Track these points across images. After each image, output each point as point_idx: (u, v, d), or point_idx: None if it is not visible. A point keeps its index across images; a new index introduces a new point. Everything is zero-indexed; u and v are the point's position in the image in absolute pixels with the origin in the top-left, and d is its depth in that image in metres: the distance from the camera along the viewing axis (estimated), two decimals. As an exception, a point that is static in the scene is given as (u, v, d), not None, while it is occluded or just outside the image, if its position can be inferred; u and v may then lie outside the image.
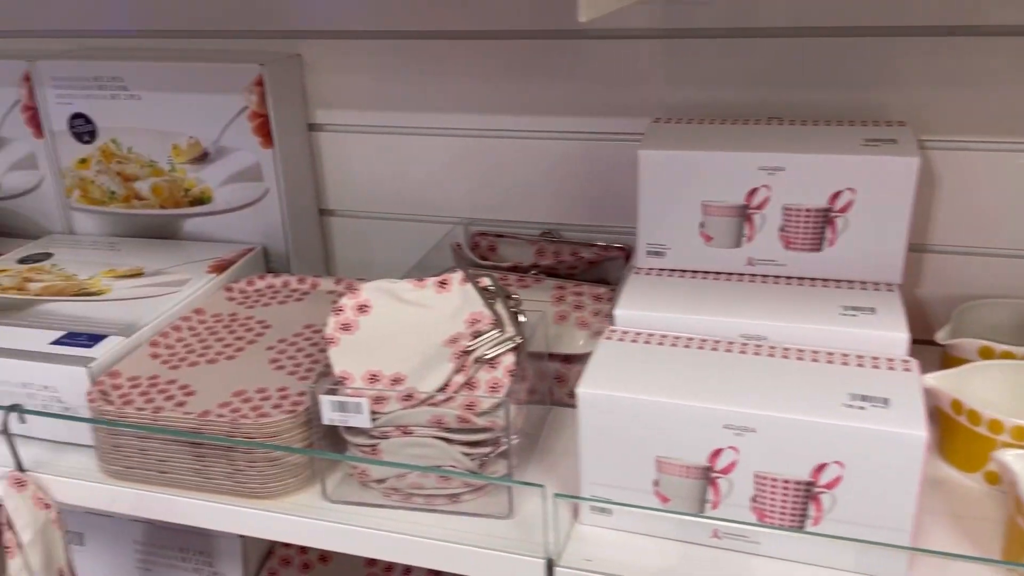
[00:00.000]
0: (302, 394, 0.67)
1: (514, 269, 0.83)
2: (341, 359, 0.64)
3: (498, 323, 0.63)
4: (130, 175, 0.93)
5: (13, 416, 0.69)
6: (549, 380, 0.73)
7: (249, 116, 0.87)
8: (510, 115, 0.87)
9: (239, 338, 0.77)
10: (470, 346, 0.63)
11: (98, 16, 0.95)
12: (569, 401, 0.72)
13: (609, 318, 0.66)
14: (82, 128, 0.93)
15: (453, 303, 0.65)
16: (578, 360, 0.72)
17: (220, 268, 0.86)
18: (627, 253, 0.87)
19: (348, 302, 0.66)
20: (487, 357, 0.62)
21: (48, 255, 0.91)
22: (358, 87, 0.90)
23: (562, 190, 0.89)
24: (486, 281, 0.66)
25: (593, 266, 0.83)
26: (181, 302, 0.80)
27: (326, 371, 0.67)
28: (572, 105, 0.85)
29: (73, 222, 0.98)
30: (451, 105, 0.88)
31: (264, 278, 0.87)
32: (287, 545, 0.93)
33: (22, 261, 0.90)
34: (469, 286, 0.66)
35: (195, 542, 0.93)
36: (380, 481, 0.63)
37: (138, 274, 0.86)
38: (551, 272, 0.83)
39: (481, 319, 0.64)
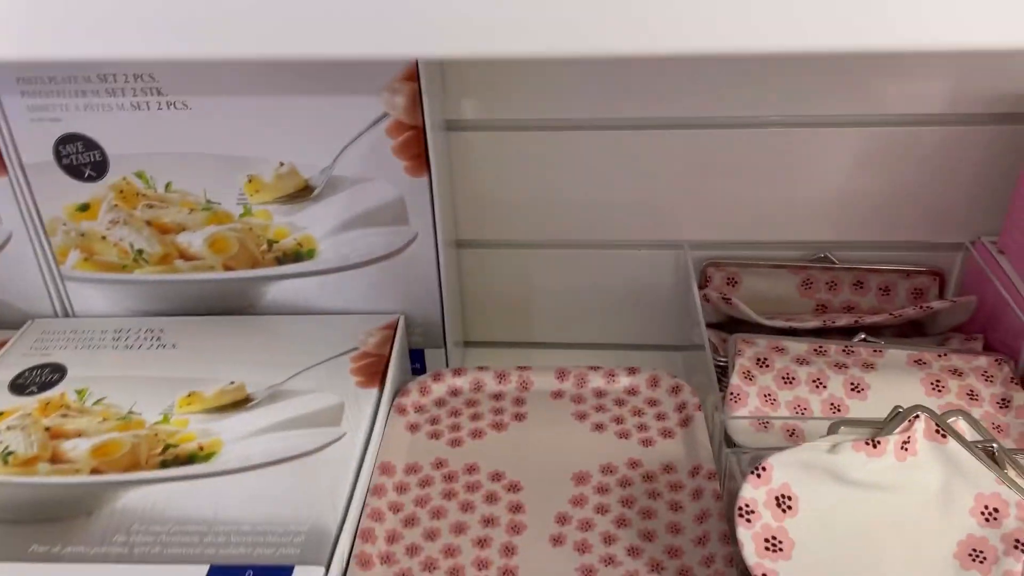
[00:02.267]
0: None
1: (822, 332, 0.58)
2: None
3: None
4: (169, 224, 0.58)
5: None
6: None
7: (390, 128, 0.54)
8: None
9: (489, 520, 0.48)
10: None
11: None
12: None
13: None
14: (80, 157, 0.56)
15: (931, 476, 0.40)
16: None
17: (372, 370, 0.55)
18: (942, 279, 0.63)
19: (753, 493, 0.39)
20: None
21: (58, 370, 0.56)
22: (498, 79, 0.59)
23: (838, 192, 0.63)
24: (960, 424, 0.41)
25: (918, 310, 0.59)
26: (357, 455, 0.49)
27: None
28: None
29: (71, 299, 0.62)
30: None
31: (441, 378, 0.58)
32: None
33: (18, 387, 0.55)
34: (949, 442, 0.40)
35: None
36: None
37: (244, 400, 0.53)
38: (863, 327, 0.58)
39: (1004, 507, 0.39)
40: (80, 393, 0.54)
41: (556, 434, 0.54)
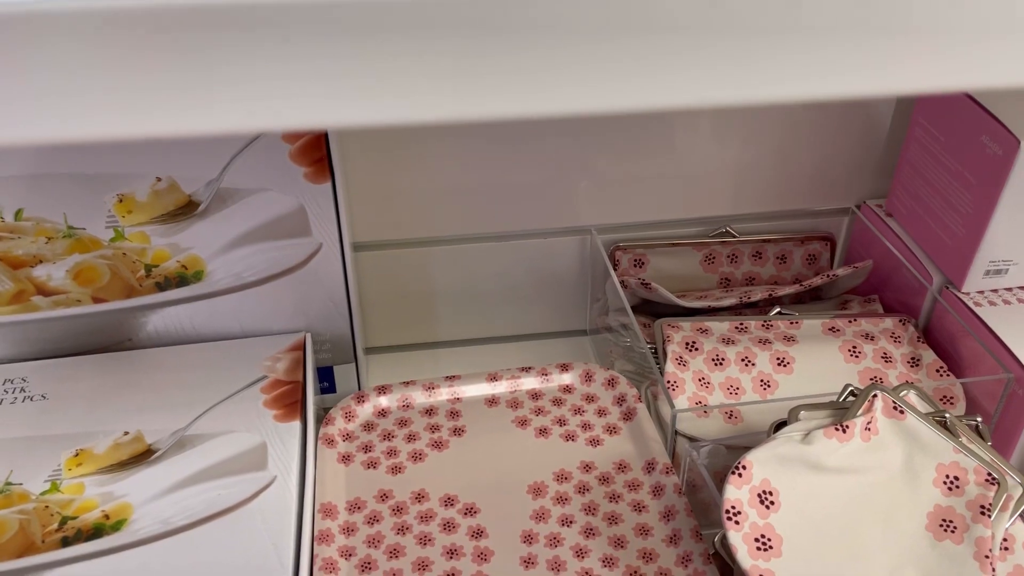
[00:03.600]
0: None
1: (741, 308, 0.58)
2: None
3: (995, 472, 0.41)
4: (22, 257, 0.50)
5: None
6: None
7: (286, 133, 0.49)
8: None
9: (452, 551, 0.45)
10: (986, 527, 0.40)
11: None
12: None
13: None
14: (-99, 186, 0.46)
15: (893, 453, 0.41)
16: None
17: (289, 400, 0.50)
18: (832, 244, 0.65)
19: (737, 494, 0.38)
20: None
21: (-100, 442, 0.47)
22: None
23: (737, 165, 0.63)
24: (911, 397, 0.42)
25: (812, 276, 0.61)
26: (294, 498, 0.44)
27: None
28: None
29: (-99, 353, 0.52)
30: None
31: (365, 399, 0.53)
32: None
33: None
34: (907, 417, 0.41)
35: None
36: None
37: (145, 452, 0.47)
38: (774, 299, 0.59)
39: (964, 475, 0.41)
40: (-64, 468, 0.46)
41: (500, 445, 0.51)
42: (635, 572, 0.43)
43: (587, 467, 0.50)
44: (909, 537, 0.39)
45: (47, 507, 0.44)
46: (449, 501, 0.48)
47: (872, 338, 0.55)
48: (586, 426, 0.53)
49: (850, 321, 0.56)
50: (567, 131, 0.60)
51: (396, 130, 0.57)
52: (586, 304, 0.68)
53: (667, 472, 0.48)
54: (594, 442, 0.52)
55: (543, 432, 0.52)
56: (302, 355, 0.54)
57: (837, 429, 0.40)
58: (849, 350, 0.54)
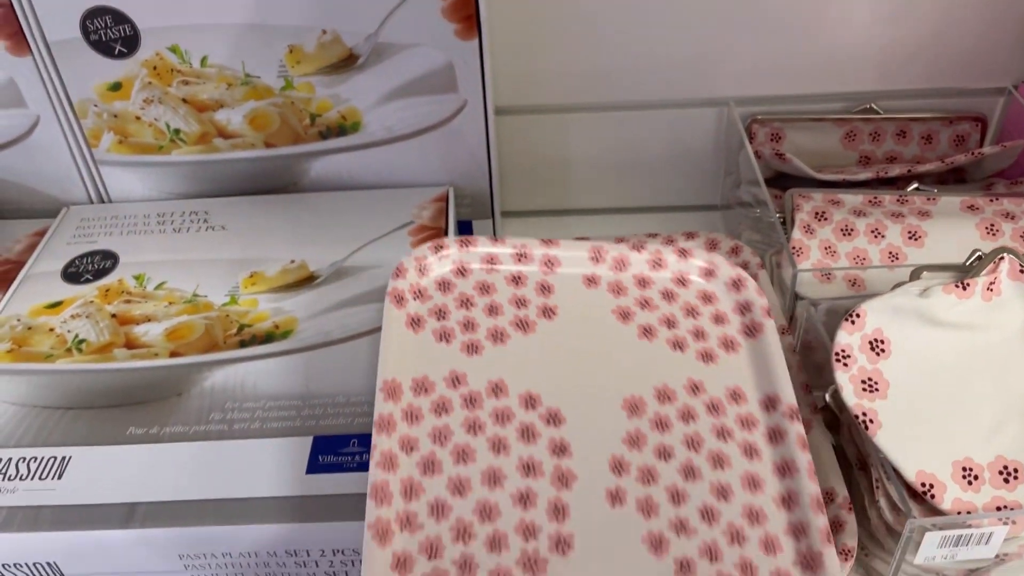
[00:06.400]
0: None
1: (872, 183, 0.58)
2: (901, 446, 0.39)
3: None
4: (206, 101, 0.56)
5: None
6: None
7: (439, -11, 0.52)
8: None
9: (529, 466, 0.39)
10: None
11: None
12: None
13: None
14: (109, 32, 0.53)
15: (1013, 314, 0.41)
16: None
17: (428, 233, 0.55)
18: (983, 125, 0.63)
19: (848, 339, 0.40)
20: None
21: (110, 256, 0.55)
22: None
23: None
24: (1040, 265, 0.42)
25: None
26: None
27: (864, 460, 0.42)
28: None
29: (107, 184, 0.60)
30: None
31: (444, 249, 0.46)
32: None
33: (72, 276, 0.54)
34: (1031, 282, 0.41)
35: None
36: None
37: (309, 278, 0.53)
38: (913, 176, 0.59)
39: (1086, 341, 0.41)
40: (138, 279, 0.53)
41: (596, 340, 0.44)
42: (737, 534, 0.37)
43: (695, 388, 0.42)
44: (1018, 396, 0.40)
45: (228, 316, 0.51)
46: (531, 402, 0.41)
47: (1013, 217, 0.54)
48: (699, 334, 0.45)
49: (992, 200, 0.55)
50: (710, 2, 0.60)
51: (542, -5, 0.59)
52: (719, 178, 0.69)
53: (791, 417, 0.41)
54: (706, 357, 0.44)
55: (647, 332, 0.45)
56: (445, 206, 0.58)
57: (957, 286, 0.41)
58: (987, 228, 0.54)
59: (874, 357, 0.40)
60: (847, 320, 0.40)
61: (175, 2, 0.52)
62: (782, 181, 0.63)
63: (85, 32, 0.53)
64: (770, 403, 0.42)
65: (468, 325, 0.44)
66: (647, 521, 0.37)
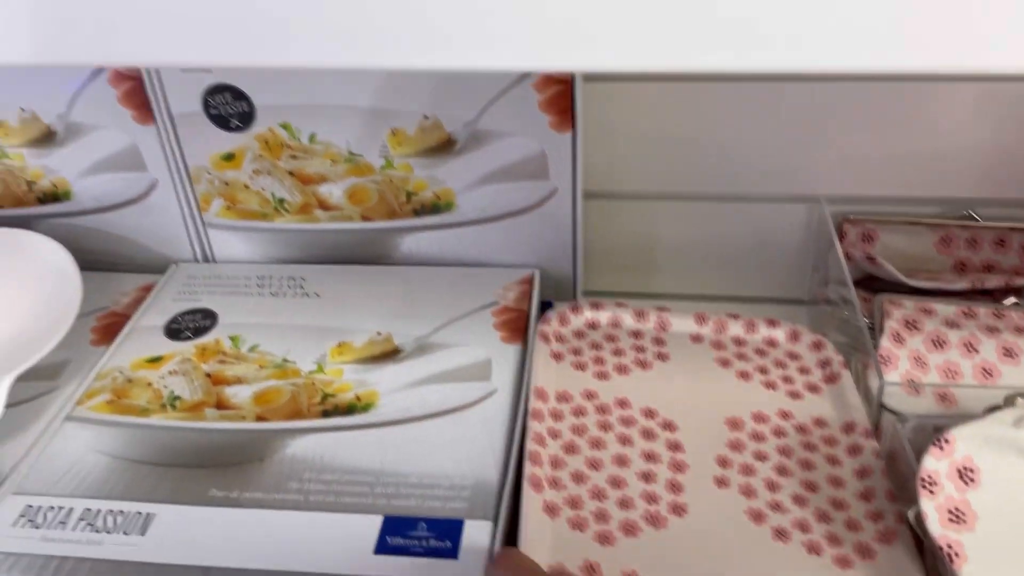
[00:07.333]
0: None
1: (967, 293, 0.57)
2: (984, 586, 0.38)
3: None
4: (311, 175, 0.59)
5: None
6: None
7: (538, 83, 0.54)
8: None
9: (650, 455, 0.49)
10: None
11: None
12: None
13: None
14: (228, 108, 0.57)
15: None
16: None
17: (514, 326, 0.56)
18: (1090, 244, 0.61)
19: (936, 465, 0.39)
20: None
21: (209, 315, 0.58)
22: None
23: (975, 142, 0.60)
24: None
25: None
26: (508, 410, 0.50)
27: None
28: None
29: (213, 245, 0.63)
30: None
31: (579, 310, 0.58)
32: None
33: (173, 332, 0.57)
34: None
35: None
36: None
37: (393, 351, 0.55)
38: (1011, 289, 0.57)
39: None
40: (234, 340, 0.56)
41: (701, 377, 0.54)
42: (824, 515, 0.45)
43: (785, 415, 0.51)
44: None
45: (313, 383, 0.52)
46: (650, 413, 0.51)
47: (1120, 342, 0.52)
48: (787, 379, 0.54)
49: (1097, 321, 0.53)
50: (805, 95, 0.60)
51: (634, 84, 0.61)
52: (806, 274, 0.68)
53: (866, 436, 0.49)
54: (794, 395, 0.53)
55: (744, 376, 0.55)
56: (529, 289, 0.59)
57: (1048, 415, 0.39)
58: (1090, 351, 0.51)
59: (962, 486, 0.39)
60: (935, 445, 0.39)
61: (290, 83, 0.55)
62: (872, 283, 0.62)
63: (206, 107, 0.57)
64: (848, 427, 0.50)
65: (598, 360, 0.55)
66: (748, 500, 0.46)
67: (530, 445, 0.47)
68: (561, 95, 0.54)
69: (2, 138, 0.60)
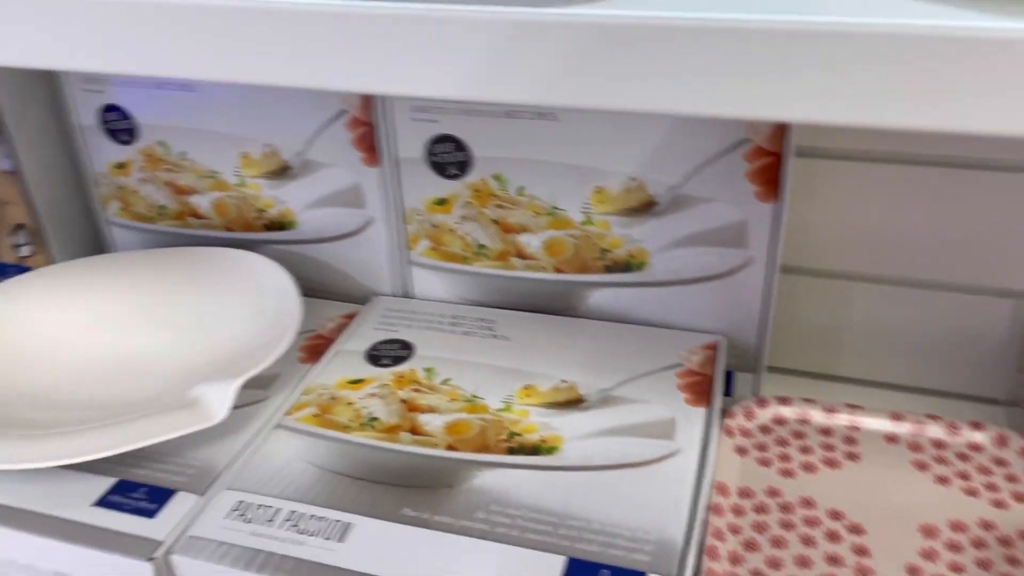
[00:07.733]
0: None
1: None
2: None
3: None
4: (513, 225, 0.63)
5: None
6: None
7: (748, 154, 0.55)
8: None
9: (833, 558, 0.48)
10: None
11: None
12: None
13: None
14: (448, 156, 0.61)
15: None
16: None
17: (699, 389, 0.57)
18: None
19: None
20: None
21: (407, 347, 0.62)
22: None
23: None
24: None
25: None
26: (693, 471, 0.50)
27: None
28: None
29: (414, 283, 0.68)
30: None
31: (766, 404, 0.58)
32: None
33: (374, 358, 0.61)
34: None
35: None
36: None
37: (577, 399, 0.56)
38: None
39: None
40: (428, 371, 0.59)
41: (894, 480, 0.53)
42: None
43: (987, 525, 0.49)
44: None
45: (500, 421, 0.55)
46: (836, 515, 0.50)
47: None
48: (991, 487, 0.52)
49: None
50: (1019, 186, 0.58)
51: (840, 163, 0.61)
52: (1004, 372, 0.65)
53: None
54: (999, 504, 0.51)
55: (942, 480, 0.53)
56: (714, 354, 0.60)
57: None
58: None
59: None
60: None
61: (509, 138, 0.59)
62: (1085, 389, 0.58)
63: (428, 154, 0.61)
64: None
65: (784, 457, 0.55)
66: None
67: (709, 540, 0.47)
68: (770, 166, 0.55)
69: (244, 168, 0.67)
